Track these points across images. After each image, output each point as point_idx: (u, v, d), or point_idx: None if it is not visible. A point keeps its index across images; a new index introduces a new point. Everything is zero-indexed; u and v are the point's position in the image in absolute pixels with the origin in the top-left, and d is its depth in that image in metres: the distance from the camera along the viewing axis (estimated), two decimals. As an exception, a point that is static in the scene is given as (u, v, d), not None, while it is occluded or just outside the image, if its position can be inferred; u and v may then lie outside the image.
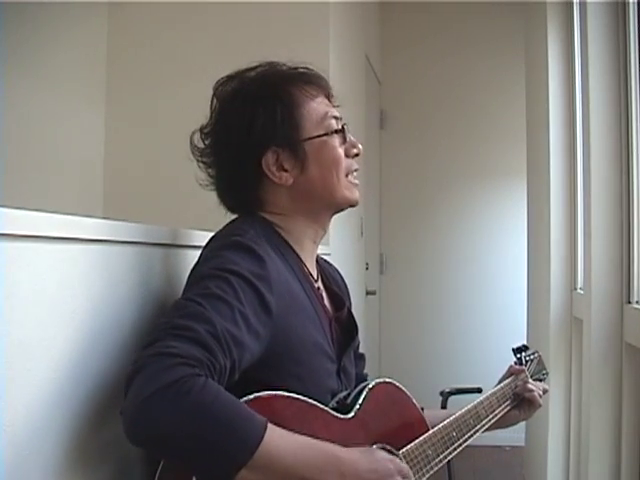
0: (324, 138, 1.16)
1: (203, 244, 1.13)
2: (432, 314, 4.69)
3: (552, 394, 2.80)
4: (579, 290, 2.65)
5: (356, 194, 1.20)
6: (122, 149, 2.97)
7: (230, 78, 1.21)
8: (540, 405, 1.43)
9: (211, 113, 1.20)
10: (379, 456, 1.00)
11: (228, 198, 1.22)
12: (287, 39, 2.81)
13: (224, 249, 1.05)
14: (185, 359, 0.86)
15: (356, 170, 1.21)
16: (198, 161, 1.22)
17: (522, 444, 3.77)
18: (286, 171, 1.15)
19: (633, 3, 1.97)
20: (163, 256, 1.22)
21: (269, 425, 0.88)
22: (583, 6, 2.25)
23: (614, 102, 2.02)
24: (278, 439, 0.88)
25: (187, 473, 0.89)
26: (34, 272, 0.85)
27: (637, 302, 1.93)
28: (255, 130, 1.13)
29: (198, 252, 1.12)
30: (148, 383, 0.84)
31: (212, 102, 1.20)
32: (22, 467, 0.84)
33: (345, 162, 1.18)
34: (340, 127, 1.18)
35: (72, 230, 0.93)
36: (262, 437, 0.86)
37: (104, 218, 1.05)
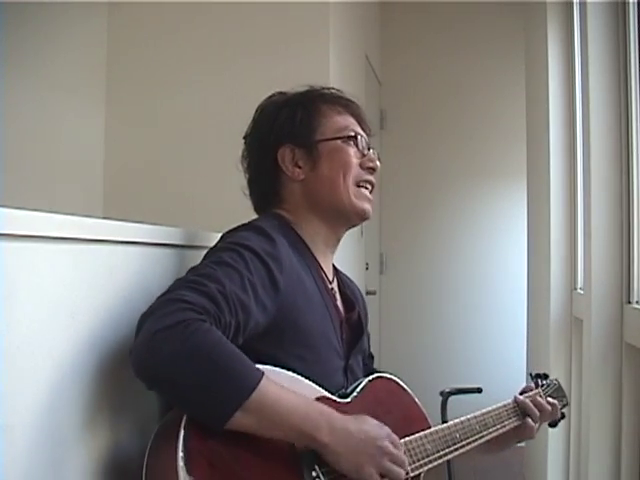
0: (338, 142, 1.24)
1: (205, 244, 1.15)
2: (432, 314, 4.69)
3: (552, 394, 2.80)
4: (579, 290, 2.65)
5: (366, 205, 1.25)
6: (122, 149, 2.97)
7: (274, 94, 1.33)
8: (535, 420, 1.41)
9: (253, 120, 1.32)
10: (370, 420, 1.04)
11: (255, 196, 1.31)
12: (287, 39, 2.81)
13: (240, 230, 1.14)
14: (194, 305, 0.92)
15: (368, 182, 1.26)
16: (245, 172, 1.32)
17: (522, 444, 3.77)
18: (300, 167, 1.24)
19: (633, 3, 1.97)
20: (164, 256, 1.22)
21: (266, 374, 0.93)
22: (583, 6, 2.25)
23: (614, 102, 2.02)
24: (274, 387, 0.93)
25: (186, 411, 0.91)
26: (34, 272, 0.85)
27: (637, 302, 1.93)
28: (275, 127, 1.25)
29: (200, 252, 1.13)
30: (157, 322, 0.91)
31: (255, 112, 1.33)
32: (22, 466, 0.84)
33: (356, 170, 1.24)
34: (353, 134, 1.25)
35: (72, 230, 0.93)
36: (259, 382, 0.91)
37: (104, 218, 1.06)
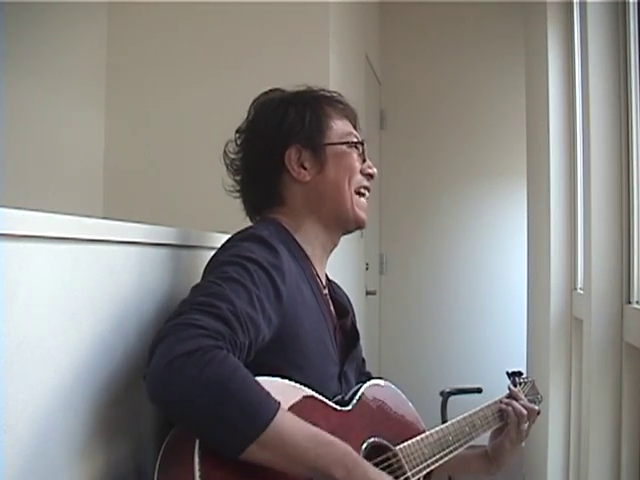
0: (344, 147, 1.26)
1: (204, 244, 1.15)
2: (432, 314, 4.69)
3: (552, 394, 2.80)
4: (579, 290, 2.65)
5: (364, 214, 1.28)
6: (122, 149, 2.97)
7: (271, 90, 1.32)
8: (510, 419, 1.42)
9: (247, 115, 1.30)
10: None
11: (251, 194, 1.29)
12: (287, 39, 2.81)
13: (241, 240, 1.12)
14: (209, 331, 0.91)
15: (367, 188, 1.29)
16: (228, 168, 1.30)
17: (522, 444, 3.78)
18: (305, 169, 1.24)
19: (633, 3, 1.97)
20: (164, 256, 1.22)
21: (282, 406, 0.91)
22: (583, 6, 2.25)
23: (614, 102, 2.02)
24: (289, 421, 0.92)
25: (200, 437, 0.90)
26: (34, 272, 0.85)
27: (637, 302, 1.93)
28: (284, 126, 1.24)
29: (200, 252, 1.13)
30: (174, 347, 0.88)
31: (250, 107, 1.31)
32: (22, 467, 0.84)
33: (359, 176, 1.27)
34: (361, 141, 1.28)
35: (72, 230, 0.93)
36: (274, 415, 0.89)
37: (104, 218, 1.06)
